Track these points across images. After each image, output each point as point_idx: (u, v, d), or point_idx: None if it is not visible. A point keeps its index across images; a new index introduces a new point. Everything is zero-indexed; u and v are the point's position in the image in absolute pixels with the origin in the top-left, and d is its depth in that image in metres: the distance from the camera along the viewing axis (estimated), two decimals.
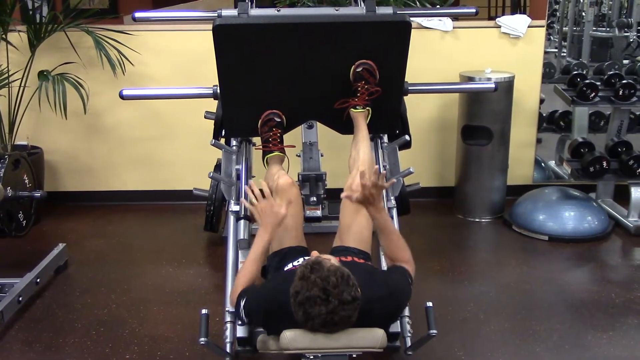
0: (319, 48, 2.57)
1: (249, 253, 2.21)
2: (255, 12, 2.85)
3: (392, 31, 2.57)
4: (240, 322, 2.21)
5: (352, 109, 2.61)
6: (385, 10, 2.96)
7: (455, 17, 4.31)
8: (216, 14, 2.84)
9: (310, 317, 1.82)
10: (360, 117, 2.61)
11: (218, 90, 2.74)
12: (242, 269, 2.19)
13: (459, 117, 4.02)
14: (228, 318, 2.27)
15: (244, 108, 2.69)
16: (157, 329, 2.77)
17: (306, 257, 2.16)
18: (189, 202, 3.98)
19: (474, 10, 3.14)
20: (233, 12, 2.81)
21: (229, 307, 2.36)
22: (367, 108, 2.61)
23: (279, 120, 2.64)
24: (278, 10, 2.87)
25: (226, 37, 2.52)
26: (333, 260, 1.89)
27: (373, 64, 2.57)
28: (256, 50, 2.56)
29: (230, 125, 2.81)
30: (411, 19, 4.05)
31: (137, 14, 3.03)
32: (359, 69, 2.56)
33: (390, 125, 2.85)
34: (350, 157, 2.58)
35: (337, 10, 2.89)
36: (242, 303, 2.04)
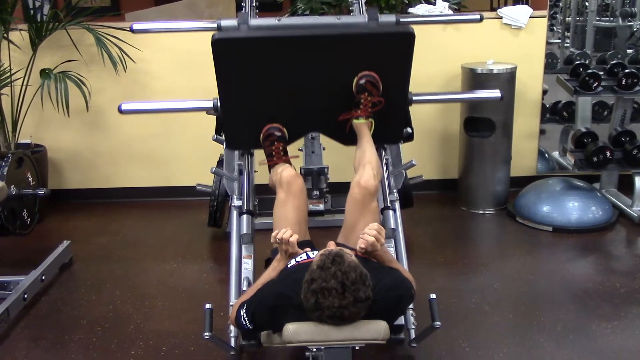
0: (321, 60, 2.51)
1: (261, 277, 2.19)
2: (255, 21, 2.81)
3: (395, 42, 2.52)
4: (244, 333, 2.21)
5: (354, 120, 2.58)
6: (388, 19, 2.91)
7: (456, 9, 4.30)
8: (215, 25, 2.82)
9: (321, 308, 1.83)
10: (364, 126, 2.57)
11: (218, 103, 2.69)
12: (247, 291, 2.18)
13: (461, 109, 4.01)
14: None
15: (245, 121, 2.64)
16: (162, 324, 2.78)
17: (308, 251, 2.16)
18: (192, 198, 3.99)
19: (478, 17, 3.11)
20: (232, 22, 2.78)
21: (233, 301, 2.37)
22: (370, 119, 2.57)
23: (279, 134, 2.60)
24: (278, 20, 2.83)
25: (225, 51, 2.47)
26: (354, 257, 1.90)
27: (376, 75, 2.51)
28: (256, 63, 2.50)
29: (232, 138, 2.75)
30: (411, 11, 4.08)
31: (136, 26, 3.01)
32: (361, 81, 2.51)
33: (394, 136, 2.79)
34: (355, 159, 2.55)
35: (338, 19, 2.85)
36: (243, 310, 2.04)
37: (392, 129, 2.73)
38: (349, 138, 2.65)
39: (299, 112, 2.63)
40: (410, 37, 2.48)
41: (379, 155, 2.70)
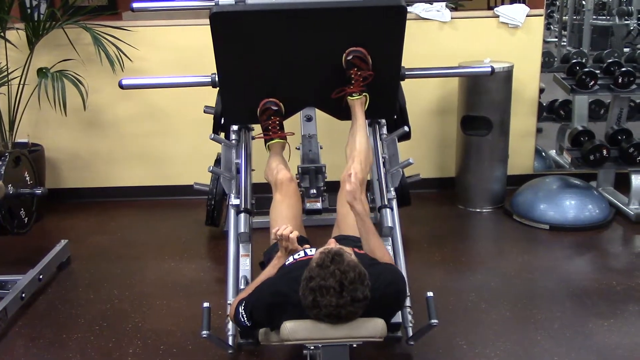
0: (316, 34, 2.58)
1: (261, 274, 2.20)
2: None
3: (388, 16, 2.57)
4: (242, 330, 2.22)
5: (348, 97, 2.61)
6: None
7: (453, 7, 4.30)
8: (213, 2, 2.85)
9: (318, 306, 1.83)
10: (357, 104, 2.62)
11: (216, 78, 2.74)
12: (247, 288, 2.19)
13: (458, 108, 4.01)
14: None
15: (243, 95, 2.71)
16: (160, 323, 2.78)
17: (307, 248, 2.17)
18: (190, 197, 3.99)
19: None
20: (230, 0, 2.81)
21: (231, 300, 2.38)
22: (364, 94, 2.61)
23: (275, 108, 2.65)
24: None
25: (223, 25, 2.53)
26: (353, 255, 1.91)
27: (363, 50, 2.57)
28: (253, 37, 2.57)
29: (230, 112, 2.83)
30: (409, 9, 4.08)
31: (135, 4, 3.05)
32: (349, 57, 2.57)
33: (388, 110, 2.85)
34: (348, 145, 2.60)
35: None
36: (242, 308, 2.05)
37: (386, 103, 2.78)
38: (344, 113, 2.70)
39: (296, 86, 2.68)
40: (402, 9, 2.53)
41: (374, 139, 2.75)
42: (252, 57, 2.61)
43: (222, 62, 2.63)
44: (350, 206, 2.16)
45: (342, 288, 1.81)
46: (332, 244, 2.00)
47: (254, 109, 2.68)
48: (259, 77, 2.66)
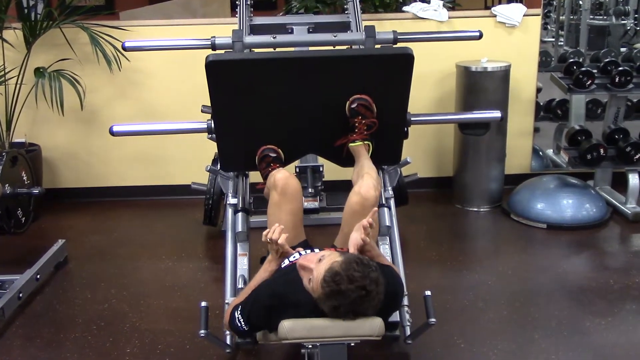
0: (317, 82, 2.47)
1: (253, 279, 2.19)
2: (250, 39, 2.78)
3: (393, 64, 2.47)
4: (239, 334, 2.21)
5: (350, 144, 2.53)
6: (386, 36, 2.86)
7: (450, 7, 4.31)
8: (209, 42, 2.78)
9: (341, 292, 1.82)
10: (361, 147, 2.53)
11: (212, 125, 2.64)
12: (241, 294, 2.18)
13: (456, 107, 4.02)
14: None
15: (240, 143, 2.59)
16: (158, 323, 2.78)
17: (301, 250, 2.16)
18: (187, 196, 3.99)
19: (477, 34, 3.10)
20: (227, 39, 2.75)
21: (229, 299, 2.38)
22: (367, 142, 2.53)
23: (274, 155, 2.54)
24: (274, 37, 2.79)
25: (220, 73, 2.42)
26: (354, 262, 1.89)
27: (368, 97, 2.46)
28: (251, 85, 2.46)
29: (227, 159, 2.69)
30: (406, 9, 4.10)
31: (128, 44, 2.98)
32: (353, 105, 2.46)
33: (393, 157, 2.73)
34: (354, 173, 2.50)
35: (335, 36, 2.79)
36: (238, 312, 2.04)
37: (391, 150, 2.67)
38: (346, 160, 2.60)
39: (296, 133, 2.57)
40: (409, 58, 2.42)
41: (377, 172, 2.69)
42: (250, 104, 2.49)
43: (218, 108, 2.51)
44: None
45: (369, 286, 1.83)
46: (330, 256, 1.96)
47: (252, 157, 2.56)
48: (257, 125, 2.55)
